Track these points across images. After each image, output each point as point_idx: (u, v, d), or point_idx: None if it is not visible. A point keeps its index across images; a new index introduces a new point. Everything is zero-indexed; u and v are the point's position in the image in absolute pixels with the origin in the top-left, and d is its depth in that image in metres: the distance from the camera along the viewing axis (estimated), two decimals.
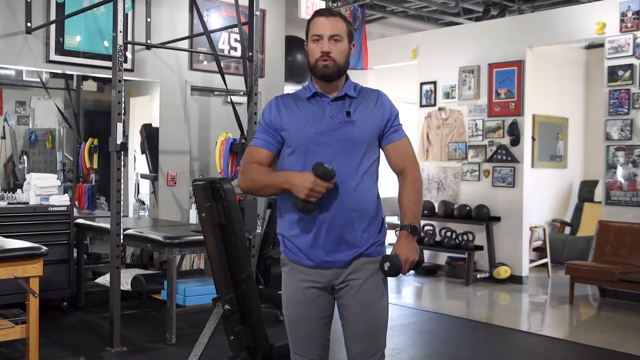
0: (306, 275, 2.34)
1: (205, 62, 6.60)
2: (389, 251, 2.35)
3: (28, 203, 5.23)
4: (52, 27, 5.63)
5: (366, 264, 2.32)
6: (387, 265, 2.26)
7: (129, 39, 5.91)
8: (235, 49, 6.74)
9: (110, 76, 4.64)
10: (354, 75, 9.37)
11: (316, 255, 2.31)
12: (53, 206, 5.20)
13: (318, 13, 2.35)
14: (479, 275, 7.42)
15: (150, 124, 6.50)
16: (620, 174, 6.57)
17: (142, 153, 6.56)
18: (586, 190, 8.98)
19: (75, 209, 5.65)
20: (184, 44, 6.33)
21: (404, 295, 7.10)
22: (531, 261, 7.79)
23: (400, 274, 2.29)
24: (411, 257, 2.28)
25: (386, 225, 2.45)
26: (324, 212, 2.26)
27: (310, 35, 2.34)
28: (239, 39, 5.98)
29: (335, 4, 7.78)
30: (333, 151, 2.28)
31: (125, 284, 5.07)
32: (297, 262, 2.35)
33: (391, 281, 7.49)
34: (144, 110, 6.55)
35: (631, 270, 5.98)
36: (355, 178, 2.29)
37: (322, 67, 2.29)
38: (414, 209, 2.34)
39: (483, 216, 7.48)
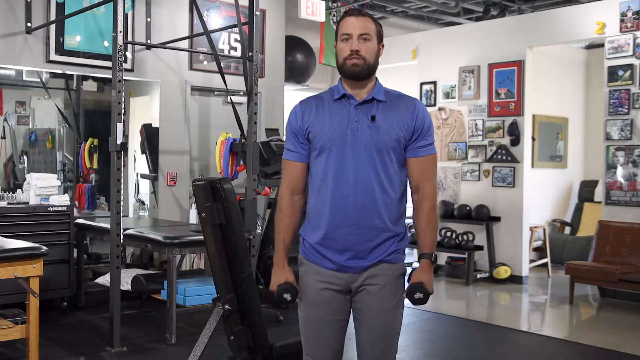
0: (323, 276, 2.32)
1: (205, 62, 6.60)
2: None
3: (28, 203, 5.23)
4: (52, 27, 5.63)
5: (385, 270, 2.31)
6: (418, 294, 2.26)
7: (129, 39, 5.91)
8: (235, 49, 6.74)
9: (110, 76, 4.64)
10: None
11: (336, 259, 2.30)
12: (53, 206, 5.20)
13: (348, 13, 2.33)
14: (479, 275, 7.42)
15: (150, 124, 6.50)
16: (620, 174, 6.57)
17: (142, 153, 6.56)
18: (586, 190, 8.98)
19: (75, 209, 5.65)
20: (184, 44, 6.33)
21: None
22: (531, 261, 7.79)
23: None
24: (432, 287, 2.30)
25: (409, 234, 2.43)
26: (346, 218, 2.26)
27: (339, 35, 2.31)
28: (239, 39, 5.98)
29: (335, 4, 7.78)
30: (356, 156, 2.25)
31: (125, 284, 5.07)
32: (315, 263, 2.34)
33: None
34: (144, 110, 6.55)
35: (631, 270, 5.98)
36: (375, 186, 2.26)
37: (351, 65, 2.27)
38: (433, 237, 2.34)
39: (483, 216, 7.48)
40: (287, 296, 2.30)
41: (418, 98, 8.29)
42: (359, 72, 2.28)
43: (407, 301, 2.35)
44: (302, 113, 2.35)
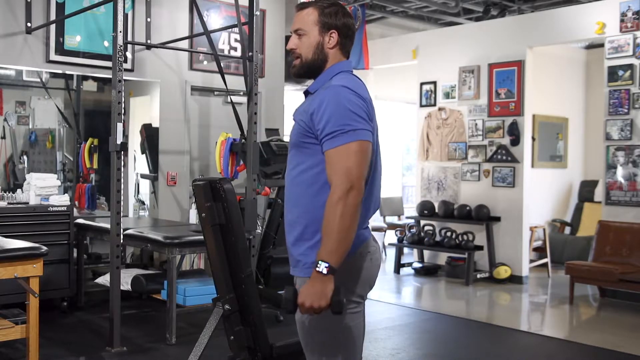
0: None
1: (205, 62, 6.60)
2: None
3: (28, 203, 5.23)
4: (52, 27, 5.63)
5: (297, 279, 2.09)
6: (283, 305, 1.97)
7: (129, 39, 5.91)
8: (235, 49, 6.74)
9: (110, 76, 4.64)
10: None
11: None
12: (53, 206, 5.20)
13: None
14: (479, 275, 7.42)
15: (150, 124, 6.50)
16: (620, 174, 6.57)
17: (142, 153, 6.55)
18: (586, 190, 8.98)
19: (75, 209, 5.65)
20: (184, 44, 6.33)
21: (404, 295, 7.10)
22: (531, 261, 7.79)
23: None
24: (307, 303, 1.88)
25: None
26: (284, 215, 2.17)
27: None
28: (239, 39, 5.98)
29: None
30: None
31: (125, 284, 5.07)
32: None
33: (391, 281, 7.49)
34: (144, 110, 6.55)
35: (631, 270, 5.98)
36: (289, 184, 2.09)
37: (291, 67, 2.14)
38: (326, 239, 1.88)
39: (483, 216, 7.48)
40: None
41: (418, 98, 8.32)
42: (296, 71, 2.13)
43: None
44: None
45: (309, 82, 2.21)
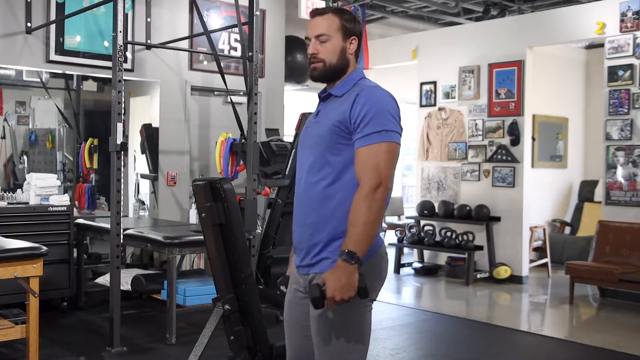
0: (294, 276, 2.28)
1: (205, 62, 6.60)
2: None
3: (28, 203, 5.22)
4: (52, 27, 5.63)
5: (320, 275, 2.11)
6: (312, 296, 1.98)
7: (129, 39, 5.91)
8: (235, 49, 6.74)
9: (110, 76, 4.64)
10: None
11: (295, 260, 2.25)
12: (53, 206, 5.20)
13: (309, 14, 2.24)
14: (479, 275, 7.42)
15: (150, 124, 6.50)
16: (620, 174, 6.57)
17: (142, 153, 6.55)
18: (586, 190, 8.98)
19: (75, 209, 5.65)
20: (184, 44, 6.33)
21: (404, 295, 7.10)
22: (531, 261, 7.79)
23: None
24: (338, 296, 1.93)
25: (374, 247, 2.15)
26: (296, 215, 2.21)
27: (305, 39, 2.25)
28: (239, 39, 5.98)
29: (335, 4, 7.78)
30: (304, 154, 2.21)
31: (125, 284, 5.07)
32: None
33: (391, 281, 7.49)
34: (144, 110, 6.55)
35: (631, 270, 5.98)
36: (313, 184, 2.13)
37: (311, 69, 2.19)
38: (352, 230, 1.97)
39: (483, 216, 7.48)
40: (283, 288, 2.33)
41: (418, 98, 8.32)
42: (318, 75, 2.18)
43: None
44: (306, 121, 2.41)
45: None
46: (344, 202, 2.06)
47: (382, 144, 2.01)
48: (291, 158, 5.69)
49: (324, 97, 2.21)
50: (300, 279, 2.21)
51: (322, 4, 6.78)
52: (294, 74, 7.78)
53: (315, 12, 2.19)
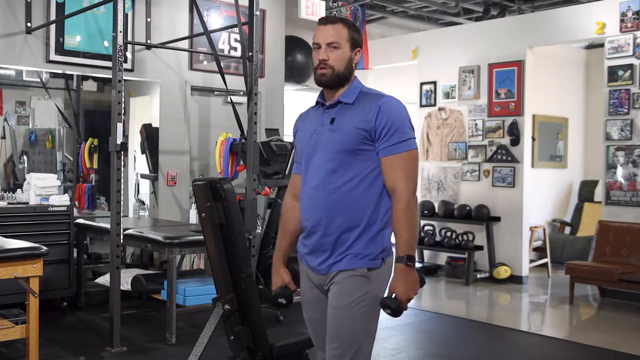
0: (309, 276, 2.41)
1: (205, 62, 6.60)
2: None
3: (28, 203, 5.22)
4: (52, 27, 5.63)
5: (343, 272, 2.28)
6: (387, 310, 2.20)
7: (129, 39, 5.91)
8: (235, 49, 6.74)
9: (110, 76, 4.64)
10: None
11: (309, 261, 2.38)
12: (53, 206, 5.20)
13: (319, 21, 2.36)
14: (479, 275, 7.42)
15: (150, 124, 6.50)
16: (620, 174, 6.57)
17: (142, 153, 6.56)
18: (586, 190, 8.98)
19: (75, 209, 5.65)
20: (184, 44, 6.33)
21: None
22: (531, 261, 7.79)
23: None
24: (411, 295, 2.18)
25: (385, 238, 2.32)
26: (311, 220, 2.32)
27: (312, 45, 2.36)
28: (239, 39, 5.98)
29: (335, 4, 7.78)
30: (319, 160, 2.31)
31: (125, 284, 5.07)
32: (303, 264, 2.43)
33: None
34: (144, 110, 6.55)
35: (631, 270, 5.98)
36: (337, 188, 2.26)
37: (319, 75, 2.30)
38: (406, 236, 2.19)
39: (483, 216, 7.48)
40: (282, 300, 2.46)
41: (418, 98, 8.32)
42: (327, 81, 2.30)
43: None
44: (297, 126, 2.50)
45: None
46: (366, 204, 2.25)
47: (408, 152, 2.23)
48: (291, 158, 5.69)
49: (333, 104, 2.32)
50: (319, 278, 2.34)
51: (322, 5, 6.78)
52: (294, 74, 7.78)
53: (327, 20, 2.32)
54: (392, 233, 2.26)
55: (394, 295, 2.19)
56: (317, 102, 2.40)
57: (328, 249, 2.28)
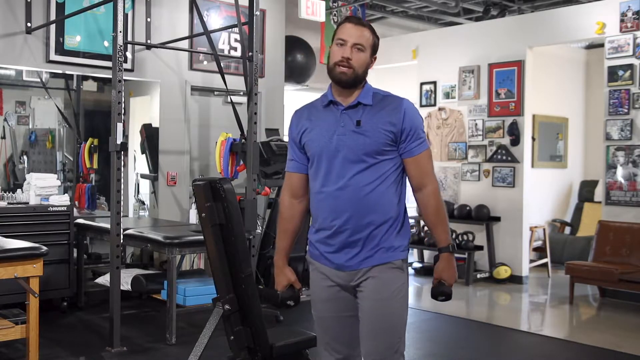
0: (327, 275, 2.42)
1: (205, 62, 6.60)
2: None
3: (28, 203, 5.22)
4: (52, 27, 5.63)
5: (378, 266, 2.35)
6: (441, 298, 2.39)
7: (129, 39, 5.91)
8: (235, 49, 6.74)
9: (110, 76, 4.64)
10: None
11: (333, 259, 2.38)
12: (53, 206, 5.20)
13: (348, 19, 2.38)
14: (479, 275, 7.42)
15: (150, 124, 6.50)
16: (620, 174, 6.56)
17: (142, 153, 6.55)
18: (586, 190, 8.98)
19: (75, 209, 5.65)
20: (184, 44, 6.33)
21: None
22: (531, 261, 7.79)
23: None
24: (455, 278, 2.40)
25: (408, 230, 2.46)
26: (339, 219, 2.33)
27: (335, 39, 2.36)
28: (239, 39, 5.98)
29: (335, 4, 7.78)
30: (344, 161, 2.32)
31: (125, 284, 5.07)
32: (319, 262, 2.44)
33: None
34: (144, 110, 6.55)
35: (631, 270, 5.98)
36: (365, 187, 2.31)
37: (339, 72, 2.32)
38: (444, 227, 2.40)
39: (483, 216, 7.48)
40: (291, 303, 2.48)
41: (418, 98, 8.31)
42: (346, 80, 2.33)
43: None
44: (297, 122, 2.47)
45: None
46: (391, 200, 2.36)
47: (427, 151, 2.39)
48: None
49: (352, 105, 2.35)
50: (345, 275, 2.37)
51: (322, 5, 6.78)
52: (294, 74, 7.78)
53: (357, 21, 2.37)
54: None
55: (439, 281, 2.39)
56: (330, 102, 2.38)
57: (358, 245, 2.33)
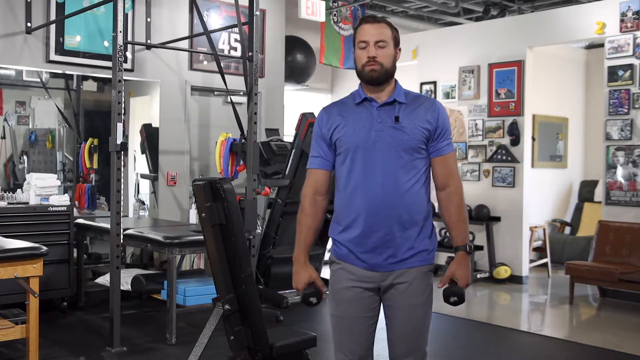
0: (354, 275, 2.40)
1: (205, 62, 6.59)
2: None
3: (28, 203, 5.23)
4: (52, 27, 5.63)
5: (412, 269, 2.38)
6: (454, 298, 2.37)
7: (129, 39, 5.91)
8: (235, 49, 6.74)
9: (110, 76, 4.64)
10: (355, 75, 9.38)
11: (366, 258, 2.37)
12: (53, 206, 5.20)
13: (364, 20, 2.41)
14: (479, 275, 7.42)
15: (150, 124, 6.50)
16: (620, 174, 6.56)
17: (142, 153, 6.56)
18: (586, 190, 8.98)
19: (75, 209, 5.65)
20: (184, 44, 6.33)
21: None
22: (531, 261, 7.79)
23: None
24: (469, 279, 2.40)
25: (436, 233, 2.48)
26: (372, 217, 2.33)
27: (357, 43, 2.39)
28: (239, 39, 5.98)
29: (335, 4, 7.78)
30: (382, 156, 2.33)
31: (125, 284, 5.07)
32: (347, 262, 2.41)
33: None
34: (144, 110, 6.55)
35: (631, 270, 5.98)
36: (402, 184, 2.33)
37: (369, 71, 2.35)
38: (464, 227, 2.42)
39: (483, 216, 7.48)
40: (313, 300, 2.42)
41: None
42: (377, 77, 2.36)
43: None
44: (327, 118, 2.45)
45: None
46: (423, 200, 2.39)
47: (454, 152, 2.45)
48: (291, 158, 5.69)
49: (389, 102, 2.37)
50: (376, 276, 2.38)
51: (322, 5, 6.78)
52: (294, 74, 7.78)
53: (373, 20, 2.40)
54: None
55: (452, 281, 2.38)
56: (364, 99, 2.39)
57: (392, 246, 2.34)
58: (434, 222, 2.48)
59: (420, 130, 2.34)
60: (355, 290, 2.40)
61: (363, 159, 2.34)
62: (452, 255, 7.62)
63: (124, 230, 4.79)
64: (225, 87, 5.29)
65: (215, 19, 6.61)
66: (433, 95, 8.15)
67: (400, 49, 2.44)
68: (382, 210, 2.32)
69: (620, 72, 6.52)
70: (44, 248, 3.72)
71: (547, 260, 8.01)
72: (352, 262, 2.39)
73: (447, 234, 7.58)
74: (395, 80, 2.44)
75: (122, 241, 4.56)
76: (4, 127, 5.82)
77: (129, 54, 5.99)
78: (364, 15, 8.08)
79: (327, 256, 3.31)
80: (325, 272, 7.34)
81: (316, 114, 6.35)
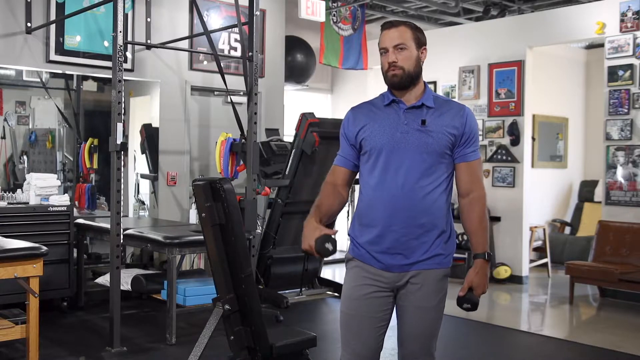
0: (369, 274, 2.40)
1: (205, 62, 6.60)
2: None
3: (28, 203, 5.22)
4: (52, 27, 5.63)
5: (428, 270, 2.39)
6: (466, 305, 2.38)
7: (129, 39, 5.91)
8: (235, 49, 6.74)
9: (110, 76, 4.63)
10: (354, 75, 9.39)
11: (382, 258, 2.37)
12: (53, 206, 5.19)
13: (382, 26, 2.43)
14: None
15: (150, 124, 6.50)
16: (620, 174, 6.56)
17: (142, 153, 6.56)
18: (586, 190, 8.98)
19: (75, 209, 5.65)
20: (184, 44, 6.33)
21: None
22: (531, 261, 7.79)
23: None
24: (486, 288, 2.41)
25: (455, 237, 2.49)
26: (390, 217, 2.33)
27: (379, 50, 2.42)
28: (239, 39, 5.98)
29: (335, 4, 7.78)
30: (405, 158, 2.33)
31: (125, 284, 5.07)
32: (363, 261, 2.41)
33: None
34: (144, 110, 6.55)
35: (631, 270, 5.98)
36: (425, 187, 2.33)
37: (391, 76, 2.37)
38: (485, 234, 2.42)
39: None
40: (329, 245, 2.26)
41: None
42: (399, 82, 2.36)
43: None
44: (354, 118, 2.47)
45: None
46: (443, 206, 2.38)
47: (480, 159, 2.44)
48: (291, 158, 5.69)
49: (416, 106, 2.37)
50: (392, 276, 2.38)
51: (322, 5, 6.78)
52: (294, 74, 7.78)
53: (390, 25, 2.41)
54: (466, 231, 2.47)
55: (470, 290, 2.38)
56: (392, 101, 2.40)
57: (409, 247, 2.35)
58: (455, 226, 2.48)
59: (446, 135, 2.34)
60: (368, 288, 2.40)
61: (386, 159, 2.35)
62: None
63: (124, 230, 4.79)
64: (225, 87, 5.29)
65: (215, 19, 6.61)
66: None
67: (425, 49, 2.43)
68: (400, 211, 2.33)
69: (620, 72, 6.53)
70: (44, 248, 3.71)
71: (547, 260, 8.01)
72: (368, 262, 2.40)
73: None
74: (425, 84, 2.44)
75: (122, 241, 4.56)
76: (4, 127, 5.82)
77: (129, 54, 5.99)
78: (363, 15, 8.09)
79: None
80: (327, 272, 7.33)
81: (316, 114, 6.33)
